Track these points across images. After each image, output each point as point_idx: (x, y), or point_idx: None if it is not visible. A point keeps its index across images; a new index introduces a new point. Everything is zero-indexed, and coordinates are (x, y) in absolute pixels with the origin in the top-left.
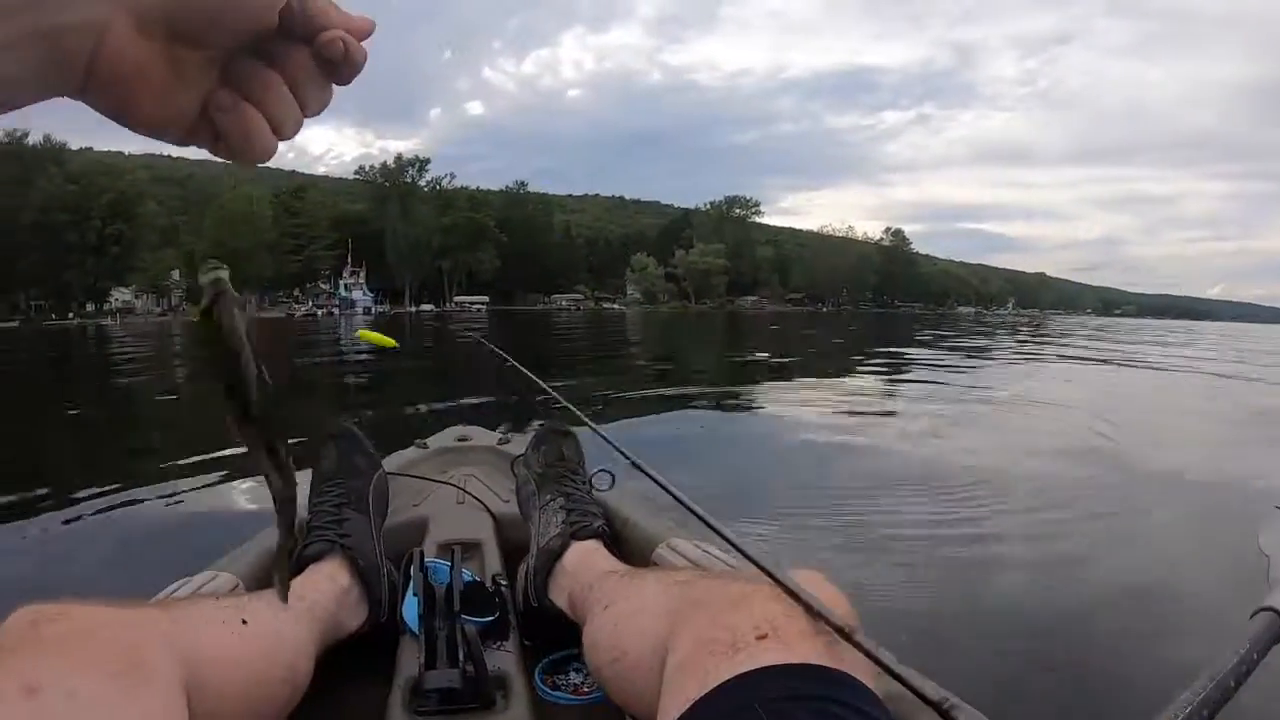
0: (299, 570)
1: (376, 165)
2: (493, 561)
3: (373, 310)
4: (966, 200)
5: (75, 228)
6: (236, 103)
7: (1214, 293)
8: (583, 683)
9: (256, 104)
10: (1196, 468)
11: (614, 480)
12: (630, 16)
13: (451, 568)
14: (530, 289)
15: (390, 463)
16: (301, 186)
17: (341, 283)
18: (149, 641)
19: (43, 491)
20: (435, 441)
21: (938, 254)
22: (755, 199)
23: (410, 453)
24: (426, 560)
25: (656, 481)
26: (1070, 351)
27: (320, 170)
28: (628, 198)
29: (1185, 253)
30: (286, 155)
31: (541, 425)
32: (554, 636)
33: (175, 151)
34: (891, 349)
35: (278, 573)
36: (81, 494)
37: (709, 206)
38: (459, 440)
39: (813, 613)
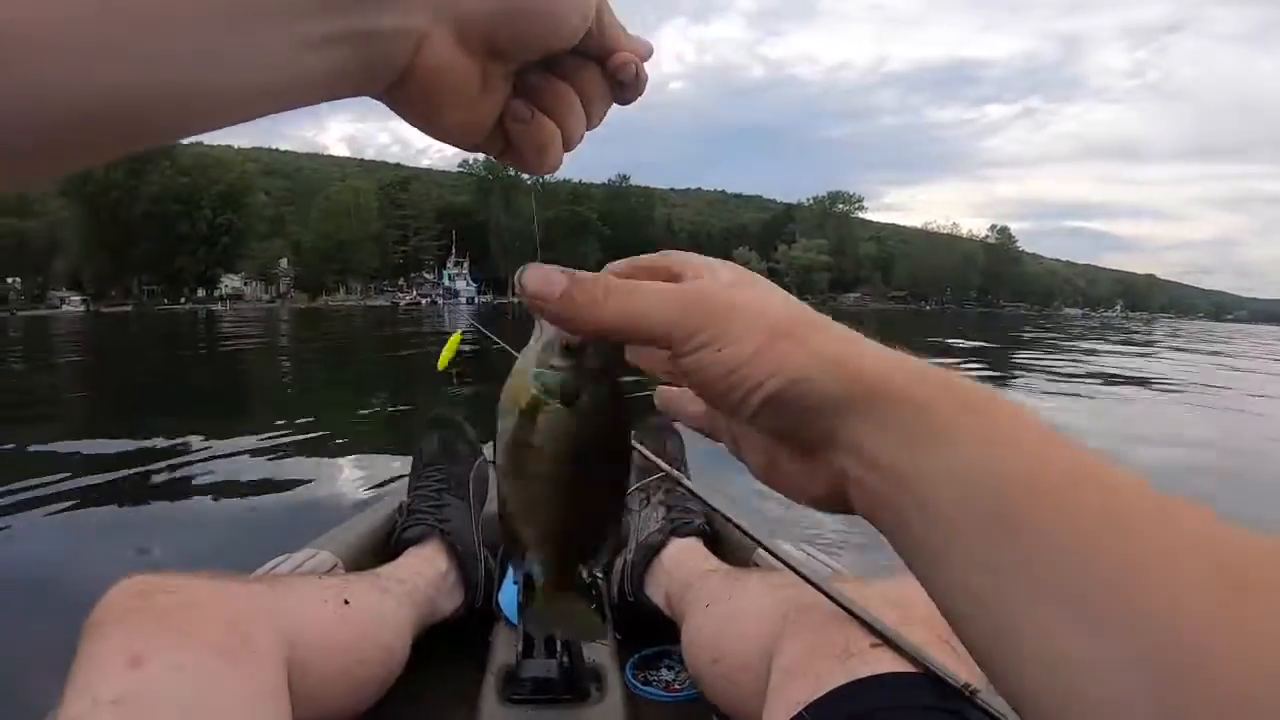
0: (397, 553)
1: (480, 158)
2: None
3: (476, 300)
4: (1073, 197)
5: (186, 217)
6: (534, 113)
7: None
8: (674, 680)
9: (551, 114)
10: None
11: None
12: (730, 8)
13: None
14: None
15: (488, 451)
16: (406, 179)
17: (445, 273)
18: (254, 617)
19: (145, 465)
20: None
21: (1043, 253)
22: (858, 194)
23: None
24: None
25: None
26: None
27: (424, 163)
28: (729, 192)
29: None
30: (391, 148)
31: (645, 420)
32: (648, 632)
33: (283, 144)
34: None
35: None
36: (185, 468)
37: (811, 202)
38: None
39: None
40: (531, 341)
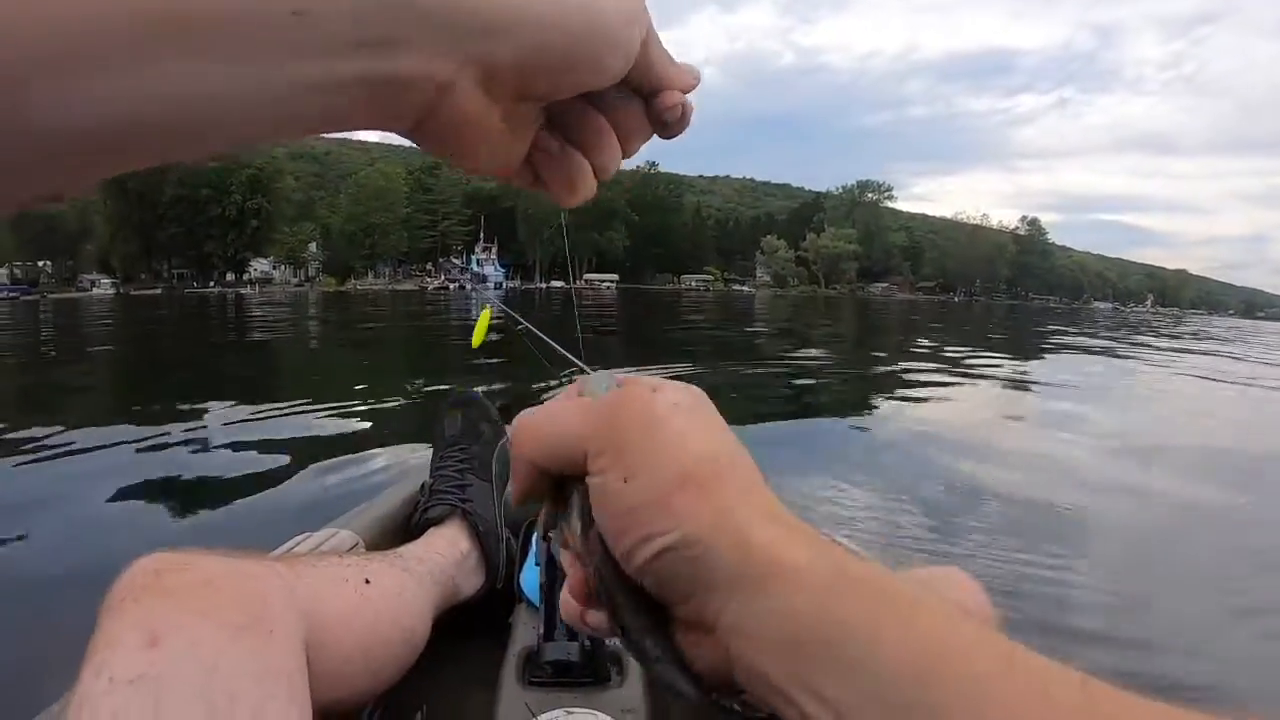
0: (419, 533)
1: None
2: None
3: (504, 285)
4: (1104, 190)
5: (216, 202)
6: (563, 147)
7: None
8: None
9: (583, 148)
10: None
11: None
12: None
13: None
14: (659, 269)
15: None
16: (436, 164)
17: (473, 258)
18: (272, 595)
19: (167, 445)
20: None
21: (1074, 245)
22: (887, 183)
23: None
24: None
25: None
26: None
27: None
28: (758, 179)
29: None
30: None
31: None
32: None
33: None
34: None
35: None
36: (207, 448)
37: (840, 190)
38: None
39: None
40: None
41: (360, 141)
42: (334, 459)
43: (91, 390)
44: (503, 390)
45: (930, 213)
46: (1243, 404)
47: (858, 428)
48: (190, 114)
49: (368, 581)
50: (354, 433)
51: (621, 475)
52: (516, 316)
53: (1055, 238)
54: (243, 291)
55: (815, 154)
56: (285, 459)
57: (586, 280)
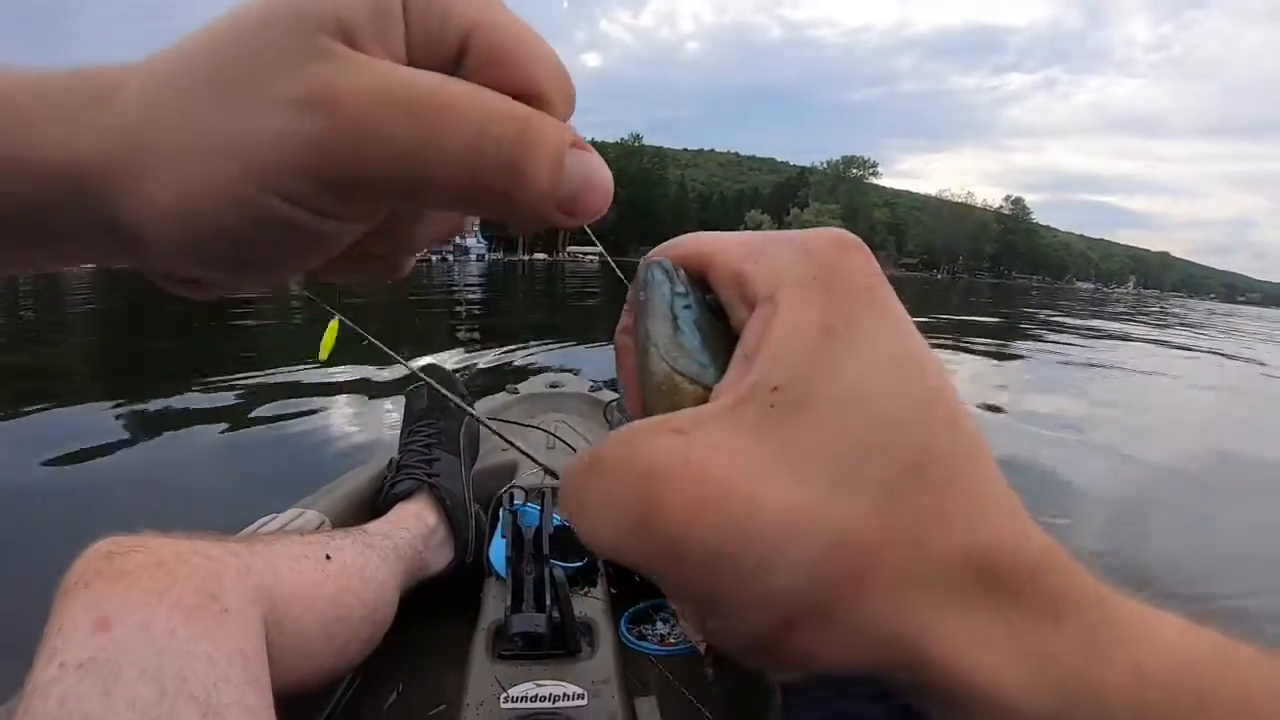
0: (387, 507)
1: None
2: None
3: (486, 257)
4: (1090, 170)
5: None
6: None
7: None
8: (669, 633)
9: (404, 231)
10: None
11: None
12: None
13: (541, 511)
14: (642, 241)
15: (481, 407)
16: None
17: None
18: (227, 575)
19: (130, 427)
20: (526, 388)
21: (1058, 225)
22: (873, 159)
23: (501, 397)
24: (516, 503)
25: None
26: None
27: None
28: (743, 154)
29: None
30: None
31: None
32: (642, 585)
33: None
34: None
35: None
36: (170, 428)
37: (825, 165)
38: (550, 387)
39: None
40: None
41: None
42: (301, 438)
43: (52, 368)
44: (475, 363)
45: (915, 189)
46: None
47: None
48: None
49: (328, 558)
50: (322, 409)
51: (698, 617)
52: (352, 324)
53: (1040, 217)
54: None
55: (801, 129)
56: (250, 440)
57: (569, 253)
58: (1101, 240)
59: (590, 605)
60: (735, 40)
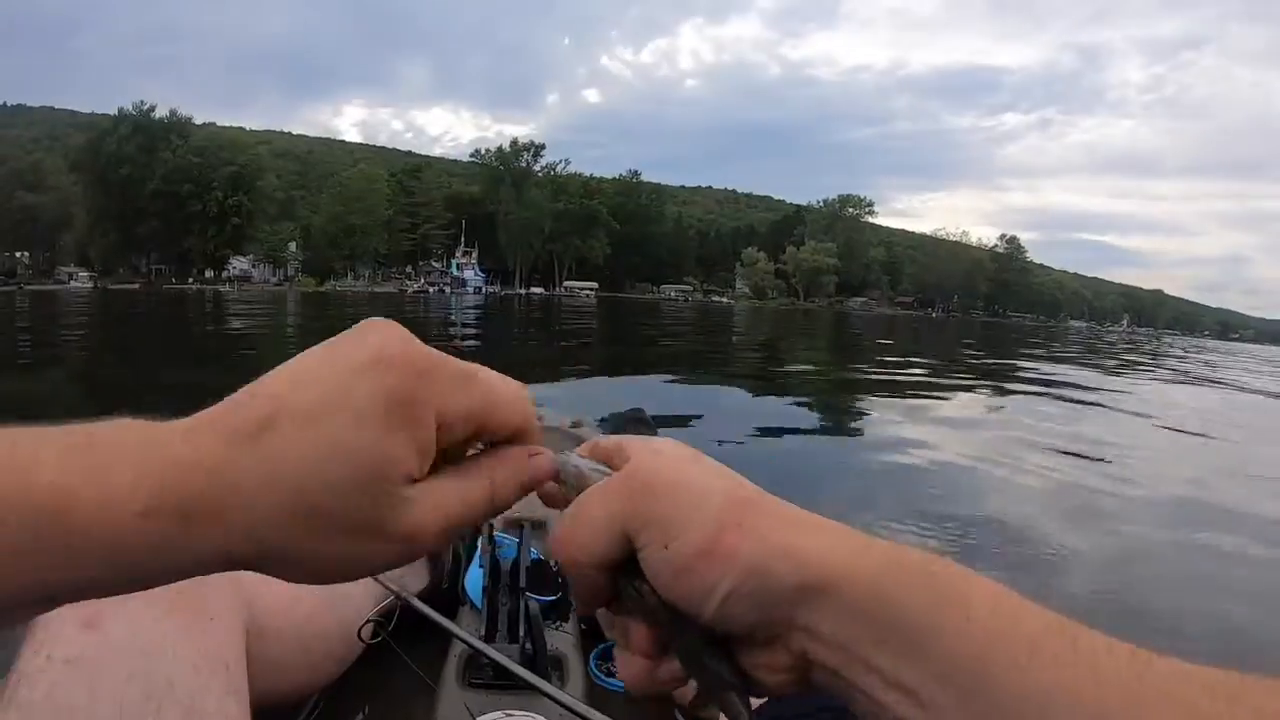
0: None
1: (492, 149)
2: None
3: (484, 289)
4: (1084, 209)
5: (198, 198)
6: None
7: None
8: None
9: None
10: None
11: None
12: (749, 8)
13: (520, 544)
14: (639, 278)
15: None
16: (418, 166)
17: (454, 261)
18: (213, 582)
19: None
20: None
21: (1051, 263)
22: (869, 198)
23: None
24: (494, 534)
25: None
26: None
27: (437, 151)
28: (740, 191)
29: None
30: (404, 135)
31: (620, 413)
32: None
33: (296, 128)
34: None
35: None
36: None
37: (822, 204)
38: None
39: None
40: None
41: (343, 141)
42: None
43: (58, 389)
44: None
45: (911, 228)
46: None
47: (833, 448)
48: None
49: None
50: None
51: (663, 543)
52: None
53: (1034, 256)
54: (221, 289)
55: (798, 167)
56: None
57: (566, 287)
58: (1096, 278)
59: (562, 639)
60: (734, 79)
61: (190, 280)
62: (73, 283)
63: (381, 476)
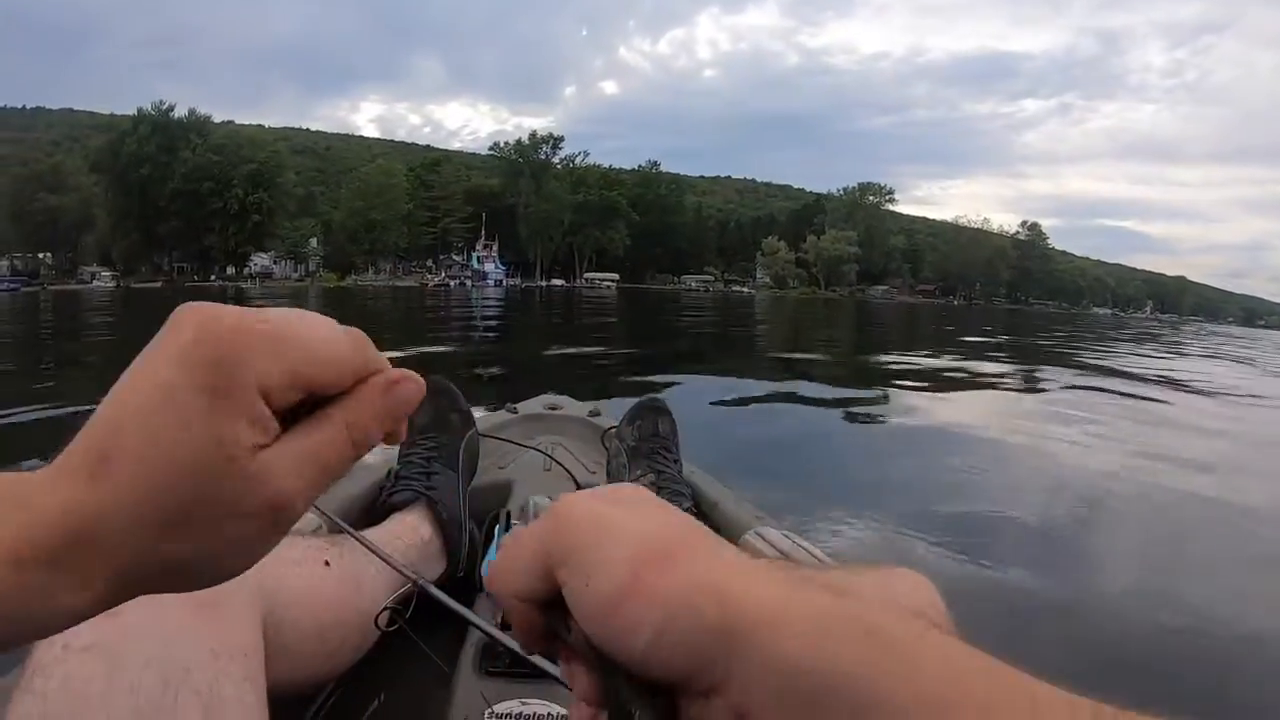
0: (383, 516)
1: (511, 141)
2: None
3: (504, 282)
4: (1105, 196)
5: (218, 195)
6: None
7: None
8: None
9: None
10: None
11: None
12: None
13: None
14: (660, 269)
15: (479, 424)
16: (437, 160)
17: (474, 255)
18: None
19: None
20: (525, 407)
21: (1074, 250)
22: (889, 186)
23: (500, 416)
24: (512, 521)
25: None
26: None
27: (455, 145)
28: (759, 180)
29: None
30: (422, 130)
31: (639, 400)
32: None
33: (314, 124)
34: None
35: None
36: None
37: (842, 192)
38: (549, 408)
39: None
40: None
41: (361, 137)
42: None
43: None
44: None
45: (932, 216)
46: None
47: (837, 435)
48: None
49: (327, 564)
50: None
51: (584, 580)
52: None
53: (1056, 242)
54: (243, 286)
55: (817, 156)
56: None
57: (586, 279)
58: (1118, 265)
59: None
60: (752, 68)
61: (212, 277)
62: (95, 282)
63: (221, 459)
